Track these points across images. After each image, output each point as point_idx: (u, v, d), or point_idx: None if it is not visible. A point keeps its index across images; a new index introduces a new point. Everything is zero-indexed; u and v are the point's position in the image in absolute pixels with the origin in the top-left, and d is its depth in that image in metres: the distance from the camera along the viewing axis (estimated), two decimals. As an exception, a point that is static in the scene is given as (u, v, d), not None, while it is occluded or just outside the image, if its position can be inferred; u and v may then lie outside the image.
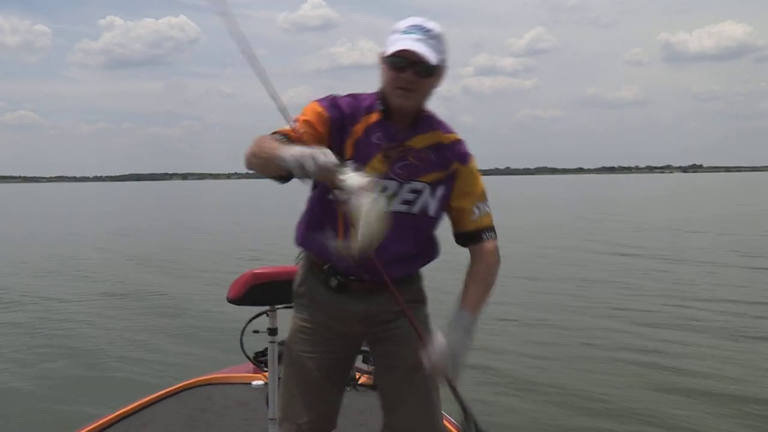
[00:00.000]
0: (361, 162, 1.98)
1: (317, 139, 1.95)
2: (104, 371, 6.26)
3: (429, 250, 2.16)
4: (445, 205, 2.09)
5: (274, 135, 1.92)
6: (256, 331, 3.08)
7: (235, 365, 3.72)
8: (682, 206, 33.52)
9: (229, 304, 2.88)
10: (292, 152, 1.73)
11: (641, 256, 13.62)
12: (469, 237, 2.09)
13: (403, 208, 2.01)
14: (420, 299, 2.19)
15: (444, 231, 2.15)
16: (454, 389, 1.91)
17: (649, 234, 18.40)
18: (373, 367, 3.35)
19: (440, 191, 2.06)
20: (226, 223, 26.67)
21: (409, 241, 2.05)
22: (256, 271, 2.82)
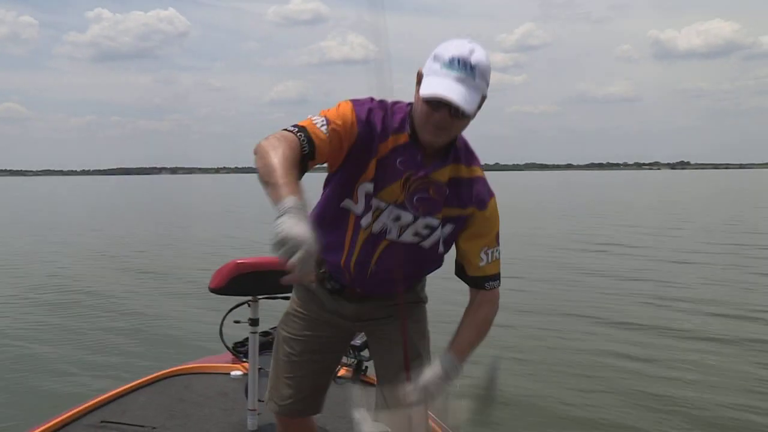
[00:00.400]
0: (381, 184, 1.89)
1: (336, 152, 1.83)
2: (82, 358, 6.24)
3: (433, 267, 2.10)
4: (453, 241, 2.00)
5: (298, 134, 1.75)
6: (237, 321, 3.07)
7: (215, 355, 3.72)
8: (668, 204, 33.72)
9: (211, 293, 2.86)
10: (288, 222, 1.46)
11: (622, 254, 13.66)
12: (472, 282, 2.01)
13: (415, 239, 1.95)
14: (418, 300, 2.17)
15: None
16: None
17: (632, 232, 18.43)
18: (353, 360, 3.41)
19: (449, 228, 1.97)
20: (212, 216, 26.63)
21: (413, 266, 2.02)
22: (239, 261, 2.80)
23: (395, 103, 1.94)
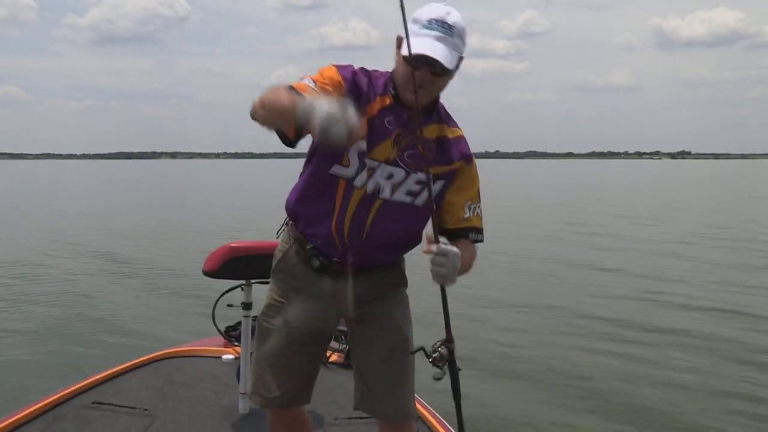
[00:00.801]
0: (371, 143, 1.93)
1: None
2: (76, 339, 6.29)
3: (417, 237, 2.10)
4: (440, 199, 2.03)
5: (289, 89, 1.79)
6: (230, 305, 3.09)
7: (207, 338, 3.74)
8: (667, 193, 33.72)
9: (204, 276, 2.86)
10: (320, 105, 1.61)
11: (618, 246, 13.66)
12: (454, 234, 2.03)
13: (407, 199, 1.97)
14: (401, 282, 2.17)
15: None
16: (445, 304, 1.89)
17: (628, 221, 18.42)
18: (344, 346, 3.41)
19: (439, 185, 2.01)
20: (211, 200, 26.68)
21: (405, 229, 2.03)
22: (233, 245, 2.80)
23: (374, 70, 2.02)
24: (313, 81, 1.87)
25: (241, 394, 2.92)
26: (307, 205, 2.04)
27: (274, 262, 2.16)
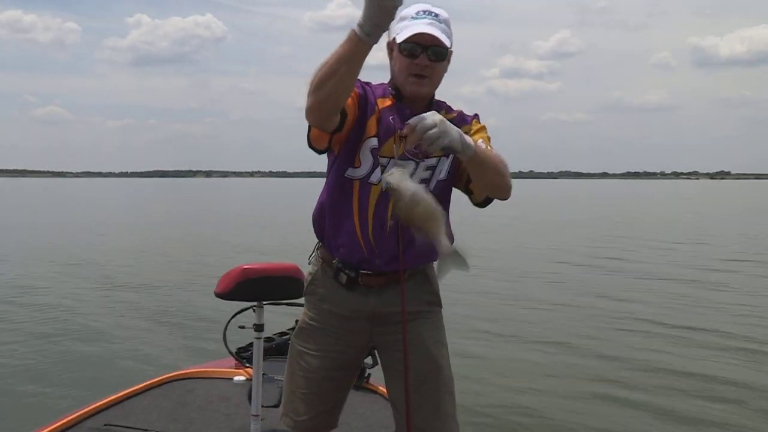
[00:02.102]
0: (380, 141, 2.01)
1: (353, 109, 1.97)
2: (87, 361, 6.28)
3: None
4: (455, 166, 2.06)
5: None
6: (242, 327, 3.07)
7: (218, 359, 3.73)
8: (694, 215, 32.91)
9: (217, 298, 2.86)
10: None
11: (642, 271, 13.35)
12: None
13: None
14: (435, 301, 2.15)
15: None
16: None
17: (646, 245, 17.93)
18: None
19: (451, 155, 2.03)
20: (237, 219, 26.83)
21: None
22: (246, 267, 2.81)
23: (370, 82, 2.10)
24: None
25: (253, 416, 2.89)
26: (329, 214, 2.08)
27: (305, 285, 2.18)
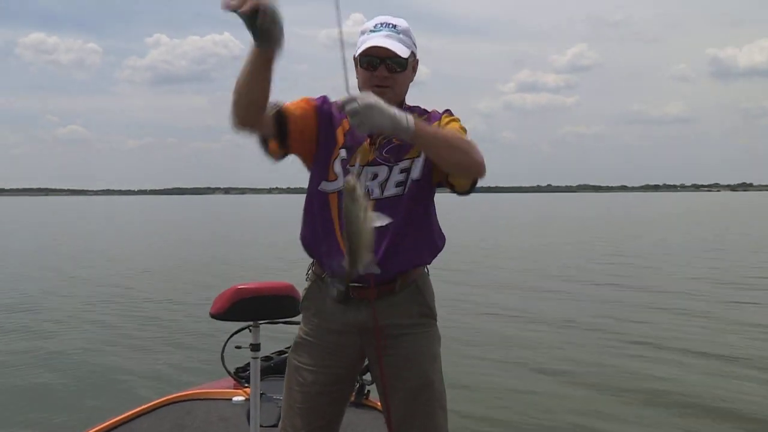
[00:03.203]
0: (351, 151, 2.04)
1: (307, 119, 2.04)
2: (85, 383, 6.22)
3: (430, 236, 2.12)
4: (431, 163, 2.05)
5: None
6: (238, 347, 3.07)
7: (216, 380, 3.69)
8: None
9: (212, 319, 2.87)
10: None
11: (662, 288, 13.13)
12: None
13: (398, 191, 2.02)
14: (429, 314, 2.13)
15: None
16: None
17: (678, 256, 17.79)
18: (356, 384, 3.31)
19: (424, 155, 2.04)
20: (252, 236, 26.91)
21: (404, 220, 2.03)
22: (240, 287, 2.82)
23: None
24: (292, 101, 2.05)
25: (252, 436, 2.85)
26: (312, 230, 2.11)
27: (301, 301, 2.21)
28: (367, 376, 3.09)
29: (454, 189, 2.09)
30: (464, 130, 2.08)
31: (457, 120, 2.11)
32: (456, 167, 1.97)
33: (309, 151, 2.08)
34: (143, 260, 17.30)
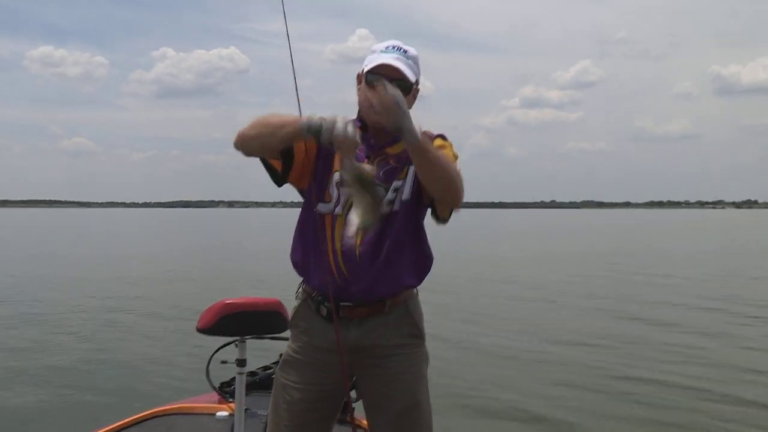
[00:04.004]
0: None
1: (310, 155, 2.08)
2: (67, 397, 6.14)
3: (420, 258, 2.13)
4: (418, 184, 2.06)
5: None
6: (224, 362, 3.07)
7: (200, 395, 3.66)
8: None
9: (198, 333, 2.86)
10: (316, 116, 1.82)
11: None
12: None
13: (387, 209, 2.02)
14: (417, 333, 2.14)
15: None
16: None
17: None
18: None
19: (412, 170, 2.06)
20: (255, 249, 27.05)
21: (394, 238, 2.04)
22: (227, 302, 2.81)
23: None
24: None
25: (235, 452, 2.82)
26: (305, 251, 2.12)
27: (290, 319, 2.22)
28: (353, 394, 3.09)
29: (435, 214, 2.10)
30: (456, 157, 2.10)
31: (450, 146, 2.13)
32: (441, 191, 1.98)
33: (307, 180, 2.12)
34: (135, 273, 17.22)
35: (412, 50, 2.09)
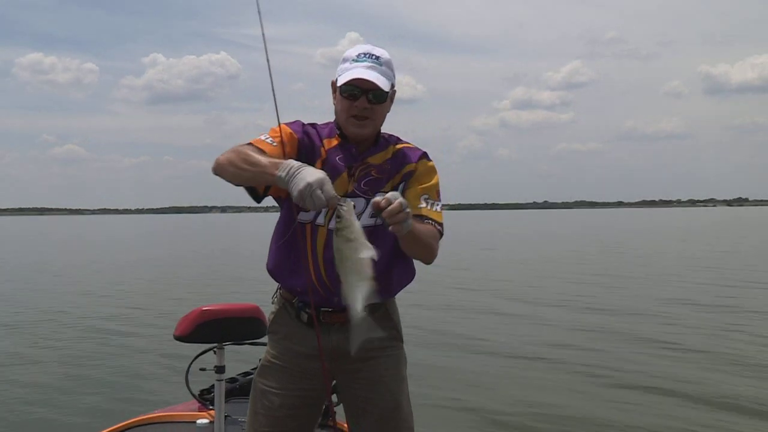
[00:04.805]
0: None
1: (287, 158, 1.99)
2: (46, 406, 6.03)
3: (403, 268, 2.13)
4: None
5: (248, 144, 1.95)
6: (203, 369, 3.05)
7: (180, 403, 3.63)
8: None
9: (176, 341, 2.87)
10: (295, 165, 1.75)
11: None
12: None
13: (371, 222, 2.02)
14: (397, 337, 2.15)
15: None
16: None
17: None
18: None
19: (399, 189, 2.07)
20: (241, 254, 26.75)
21: (380, 256, 2.00)
22: (204, 308, 2.80)
23: (319, 123, 2.17)
24: (270, 137, 1.99)
25: (216, 460, 2.81)
26: (283, 259, 2.10)
27: (268, 324, 2.21)
28: (333, 397, 3.08)
29: None
30: (438, 195, 2.11)
31: (433, 172, 2.12)
32: (416, 258, 2.07)
33: (286, 192, 2.04)
34: (118, 281, 16.91)
35: (384, 54, 2.05)
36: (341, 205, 1.75)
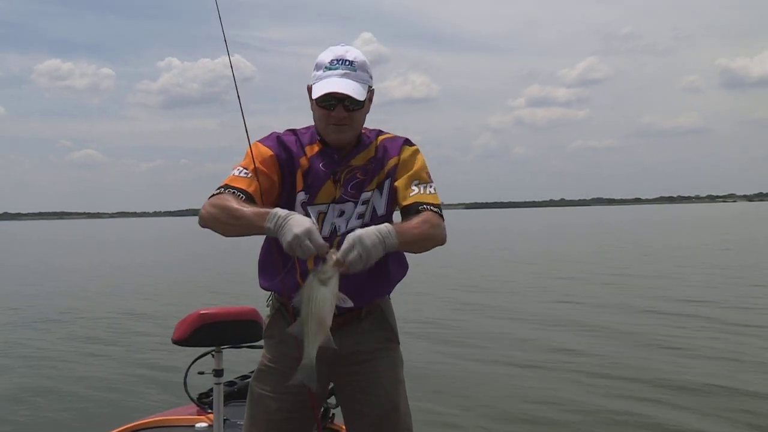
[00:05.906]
0: (313, 190, 2.02)
1: (271, 185, 1.99)
2: (44, 411, 6.03)
3: (395, 266, 2.11)
4: (392, 192, 2.07)
5: (232, 192, 1.90)
6: (201, 372, 3.05)
7: (179, 407, 3.61)
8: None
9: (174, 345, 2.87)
10: (282, 215, 1.73)
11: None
12: (405, 211, 2.02)
13: (358, 223, 2.00)
14: (393, 338, 2.14)
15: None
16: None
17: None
18: (321, 408, 3.25)
19: (386, 186, 2.06)
20: (246, 258, 26.34)
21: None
22: (202, 312, 2.80)
23: (300, 128, 2.13)
24: (242, 167, 1.98)
25: (215, 463, 2.79)
26: (273, 270, 2.08)
27: (264, 328, 2.20)
28: (332, 400, 3.04)
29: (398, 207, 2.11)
30: (429, 176, 2.07)
31: (416, 155, 2.08)
32: (424, 251, 2.00)
33: (273, 206, 1.99)
34: (126, 285, 16.88)
35: (358, 57, 2.00)
36: (330, 257, 1.71)
